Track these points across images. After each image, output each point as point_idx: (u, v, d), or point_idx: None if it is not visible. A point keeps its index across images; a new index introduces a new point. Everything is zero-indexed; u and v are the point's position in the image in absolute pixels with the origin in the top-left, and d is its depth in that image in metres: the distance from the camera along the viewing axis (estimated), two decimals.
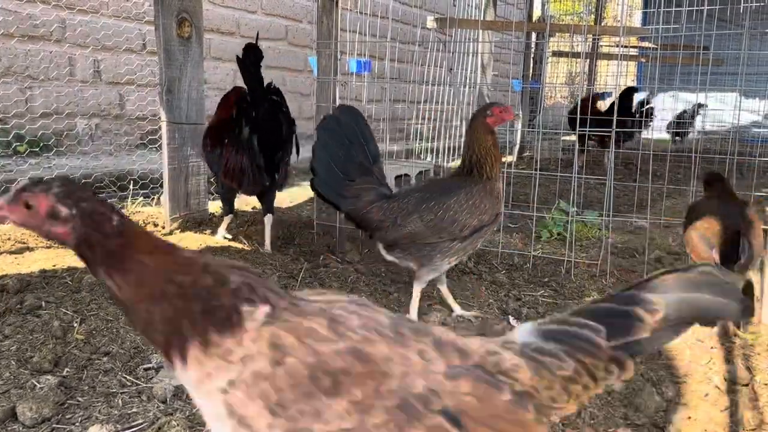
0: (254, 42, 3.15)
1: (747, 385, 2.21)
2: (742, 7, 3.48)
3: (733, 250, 2.52)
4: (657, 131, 7.09)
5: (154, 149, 6.10)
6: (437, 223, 2.47)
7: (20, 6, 5.27)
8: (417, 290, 2.59)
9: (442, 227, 2.47)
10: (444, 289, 2.72)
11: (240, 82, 3.32)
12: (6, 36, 5.18)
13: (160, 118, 3.82)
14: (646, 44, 8.70)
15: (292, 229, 3.85)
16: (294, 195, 5.09)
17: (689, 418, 2.01)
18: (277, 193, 3.56)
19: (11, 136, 5.24)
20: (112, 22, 6.01)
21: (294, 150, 3.40)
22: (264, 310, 1.06)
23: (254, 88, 3.17)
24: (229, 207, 3.54)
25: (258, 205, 4.46)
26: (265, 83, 3.22)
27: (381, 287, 2.82)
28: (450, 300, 2.73)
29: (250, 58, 3.12)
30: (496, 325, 2.58)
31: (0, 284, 2.62)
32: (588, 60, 8.78)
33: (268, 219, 3.45)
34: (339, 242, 3.57)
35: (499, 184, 2.57)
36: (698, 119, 8.15)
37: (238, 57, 3.14)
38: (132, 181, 5.09)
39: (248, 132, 3.20)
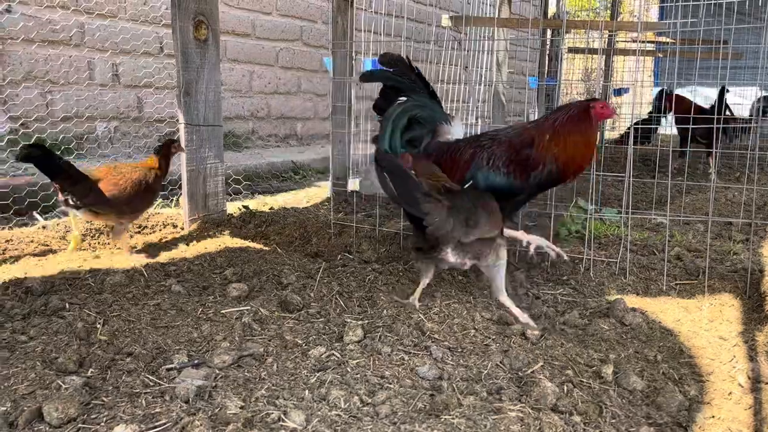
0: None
1: None
2: (761, 0, 3.44)
3: None
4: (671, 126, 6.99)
5: None
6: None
7: (40, 11, 5.35)
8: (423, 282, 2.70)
9: None
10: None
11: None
12: (27, 41, 5.26)
13: (177, 120, 3.86)
14: (663, 39, 8.61)
15: (309, 228, 3.86)
16: (310, 195, 5.11)
17: (713, 416, 1.99)
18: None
19: (33, 140, 5.32)
20: (130, 26, 6.08)
21: None
22: None
23: None
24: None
25: (275, 205, 4.49)
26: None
27: (399, 286, 2.82)
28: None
29: None
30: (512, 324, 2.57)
31: (25, 286, 2.66)
32: (604, 56, 8.71)
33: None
34: (356, 242, 3.58)
35: None
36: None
37: None
38: None
39: None
